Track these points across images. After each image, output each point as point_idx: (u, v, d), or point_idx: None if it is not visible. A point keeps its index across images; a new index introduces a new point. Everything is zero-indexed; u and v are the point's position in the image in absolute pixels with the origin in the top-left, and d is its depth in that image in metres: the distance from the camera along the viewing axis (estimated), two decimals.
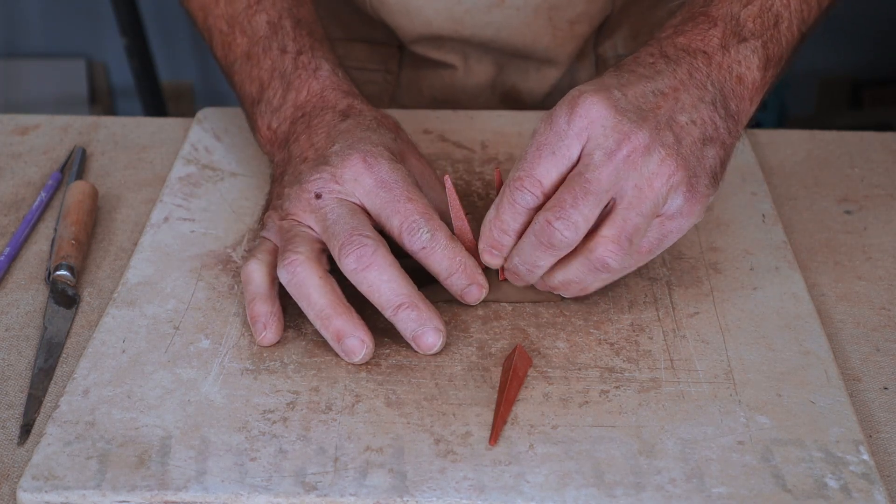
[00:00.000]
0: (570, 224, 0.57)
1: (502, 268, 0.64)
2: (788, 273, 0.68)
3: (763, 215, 0.74)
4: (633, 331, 0.63)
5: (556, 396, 0.59)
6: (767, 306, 0.66)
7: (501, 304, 0.66)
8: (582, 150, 0.59)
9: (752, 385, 0.60)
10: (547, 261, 0.60)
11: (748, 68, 0.63)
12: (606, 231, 0.58)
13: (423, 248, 0.61)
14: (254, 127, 0.72)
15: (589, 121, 0.58)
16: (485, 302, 0.65)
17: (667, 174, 0.58)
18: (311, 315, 0.61)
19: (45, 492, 0.54)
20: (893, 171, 0.81)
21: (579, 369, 0.61)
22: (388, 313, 0.61)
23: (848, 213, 0.77)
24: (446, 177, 0.63)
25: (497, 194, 0.63)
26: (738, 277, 0.68)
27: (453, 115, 0.86)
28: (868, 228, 0.75)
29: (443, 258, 0.61)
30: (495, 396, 0.59)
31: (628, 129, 0.58)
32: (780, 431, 0.57)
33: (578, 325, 0.64)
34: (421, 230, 0.61)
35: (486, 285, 0.63)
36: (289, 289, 0.61)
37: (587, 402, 0.59)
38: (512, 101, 0.96)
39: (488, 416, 0.58)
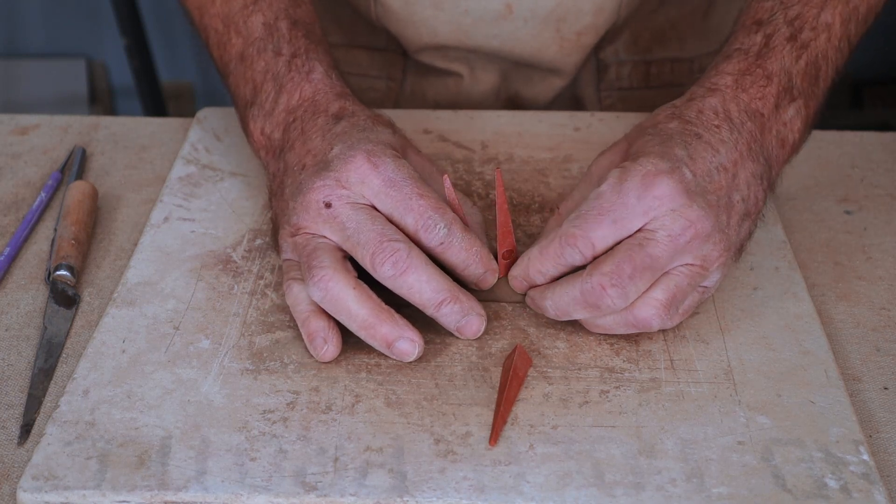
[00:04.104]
0: (623, 294, 0.58)
1: (503, 262, 0.64)
2: (788, 273, 0.68)
3: (763, 215, 0.73)
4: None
5: (556, 396, 0.59)
6: (767, 306, 0.66)
7: (501, 304, 0.66)
8: (644, 225, 0.60)
9: (752, 385, 0.60)
10: (582, 315, 0.61)
11: (791, 131, 0.66)
12: (657, 294, 0.60)
13: (441, 243, 0.61)
14: (247, 131, 0.71)
15: (659, 202, 0.60)
16: (485, 302, 0.65)
17: (716, 256, 0.61)
18: (353, 327, 0.60)
19: (45, 492, 0.54)
20: (893, 171, 0.81)
21: (579, 369, 0.61)
22: (430, 311, 0.61)
23: (848, 213, 0.77)
24: (445, 176, 0.63)
25: (496, 196, 0.64)
26: (738, 277, 0.68)
27: (453, 115, 0.85)
28: (868, 228, 0.75)
29: (460, 251, 0.62)
30: (495, 396, 0.59)
31: (695, 217, 0.60)
32: (780, 431, 0.57)
33: (578, 325, 0.64)
34: (438, 226, 0.61)
35: (498, 269, 0.64)
36: (324, 305, 0.60)
37: (587, 402, 0.59)
38: (515, 107, 0.95)
39: (488, 416, 0.58)
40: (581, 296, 0.59)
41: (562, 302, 0.60)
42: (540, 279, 0.62)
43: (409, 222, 0.61)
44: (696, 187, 0.61)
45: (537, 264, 0.62)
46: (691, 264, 0.60)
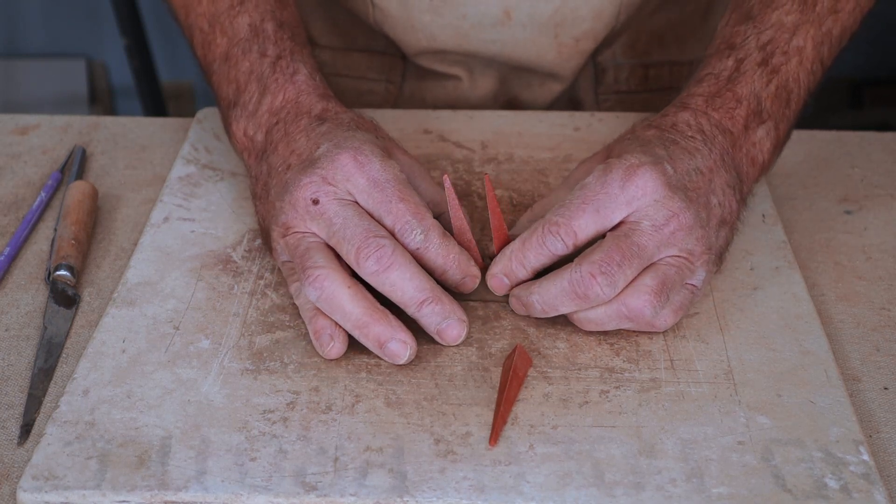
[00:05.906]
0: (612, 281, 0.59)
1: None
2: (788, 273, 0.68)
3: (763, 215, 0.74)
4: (633, 331, 0.63)
5: (556, 396, 0.59)
6: (767, 306, 0.66)
7: (501, 303, 0.66)
8: (626, 217, 0.61)
9: (752, 385, 0.60)
10: (570, 308, 0.61)
11: (761, 151, 0.67)
12: (647, 280, 0.60)
13: (418, 248, 0.61)
14: (229, 131, 0.71)
15: (642, 192, 0.60)
16: (484, 301, 0.65)
17: (700, 251, 0.61)
18: (347, 326, 0.60)
19: (45, 492, 0.54)
20: (893, 171, 0.81)
21: (579, 369, 0.61)
22: (411, 310, 0.61)
23: (848, 213, 0.77)
24: (445, 176, 0.63)
25: (487, 202, 0.64)
26: (738, 277, 0.68)
27: (453, 114, 0.86)
28: (868, 228, 0.75)
29: (437, 256, 0.62)
30: (495, 396, 0.59)
31: (677, 208, 0.60)
32: (780, 431, 0.57)
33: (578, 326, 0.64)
34: (414, 231, 0.61)
35: (479, 275, 0.64)
36: (319, 304, 0.60)
37: (587, 402, 0.59)
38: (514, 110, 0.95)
39: (488, 416, 0.58)
40: (570, 286, 0.59)
41: (549, 295, 0.60)
42: (521, 272, 0.62)
43: (388, 224, 0.62)
44: (676, 182, 0.62)
45: (519, 255, 0.62)
46: (677, 255, 0.61)
